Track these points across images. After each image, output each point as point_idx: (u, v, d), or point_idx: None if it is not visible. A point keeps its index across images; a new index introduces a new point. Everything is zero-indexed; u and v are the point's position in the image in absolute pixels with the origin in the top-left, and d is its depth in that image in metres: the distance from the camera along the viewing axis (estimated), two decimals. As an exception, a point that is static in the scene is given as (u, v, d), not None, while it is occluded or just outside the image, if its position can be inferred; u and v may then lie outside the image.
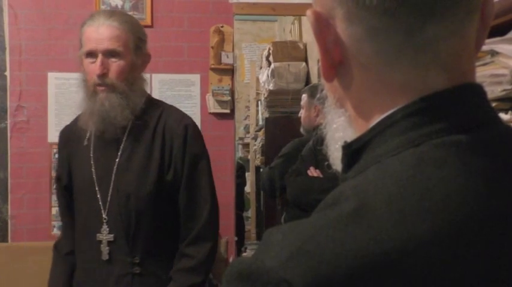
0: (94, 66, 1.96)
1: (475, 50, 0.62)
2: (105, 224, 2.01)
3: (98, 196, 2.02)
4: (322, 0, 0.62)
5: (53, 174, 3.35)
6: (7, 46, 3.38)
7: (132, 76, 2.00)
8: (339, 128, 0.68)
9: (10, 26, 3.38)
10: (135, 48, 1.99)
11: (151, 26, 3.45)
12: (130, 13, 3.40)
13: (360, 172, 0.58)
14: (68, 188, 2.15)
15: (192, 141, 2.05)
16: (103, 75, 1.95)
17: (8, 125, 3.38)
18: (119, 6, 3.42)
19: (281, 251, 0.52)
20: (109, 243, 2.01)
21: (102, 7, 3.40)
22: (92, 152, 2.07)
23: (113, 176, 2.02)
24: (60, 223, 3.26)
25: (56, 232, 3.30)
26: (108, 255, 2.01)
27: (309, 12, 0.62)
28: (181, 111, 2.17)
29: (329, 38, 0.62)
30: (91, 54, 1.96)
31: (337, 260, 0.49)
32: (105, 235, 2.01)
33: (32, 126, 3.39)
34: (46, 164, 3.38)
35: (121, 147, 2.03)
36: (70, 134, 2.16)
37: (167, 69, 3.46)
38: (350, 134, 0.65)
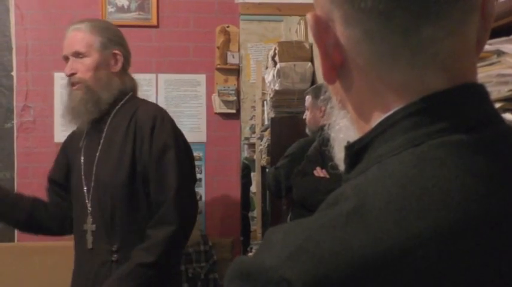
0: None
1: (477, 50, 0.61)
2: (89, 214, 2.17)
3: (84, 188, 2.19)
4: (321, 3, 0.63)
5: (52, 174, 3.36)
6: (13, 46, 3.39)
7: (101, 73, 2.18)
8: (342, 129, 0.68)
9: (16, 26, 3.39)
10: (101, 48, 2.18)
11: (157, 26, 3.45)
12: (136, 13, 3.41)
13: (362, 172, 0.58)
14: (63, 187, 2.33)
15: (159, 132, 2.15)
16: (71, 75, 2.18)
17: (15, 125, 3.39)
18: (125, 7, 3.42)
19: (281, 250, 0.52)
20: (92, 232, 2.16)
21: (108, 7, 3.41)
22: (82, 147, 2.25)
23: (94, 168, 2.18)
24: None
25: (62, 231, 3.31)
26: (92, 244, 2.16)
27: (308, 16, 0.63)
28: (154, 105, 2.33)
29: (329, 41, 0.62)
30: (66, 59, 2.20)
31: (336, 259, 0.49)
32: (89, 225, 2.16)
33: (38, 126, 3.41)
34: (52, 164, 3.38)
35: (101, 141, 2.20)
36: (72, 135, 2.36)
37: (173, 70, 3.47)
38: (353, 135, 0.65)
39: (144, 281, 2.02)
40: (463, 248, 0.50)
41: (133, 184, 2.13)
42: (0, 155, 3.37)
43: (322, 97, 3.15)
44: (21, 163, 3.38)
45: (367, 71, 0.61)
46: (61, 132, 3.32)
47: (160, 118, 2.16)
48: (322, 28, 0.62)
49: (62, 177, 2.34)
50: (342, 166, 0.67)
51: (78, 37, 2.18)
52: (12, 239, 3.35)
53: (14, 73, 3.39)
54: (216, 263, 3.29)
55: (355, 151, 0.63)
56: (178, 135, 2.21)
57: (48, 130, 3.40)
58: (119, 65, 2.21)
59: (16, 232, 3.35)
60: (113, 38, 2.22)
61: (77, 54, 2.17)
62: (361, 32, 0.59)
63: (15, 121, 3.39)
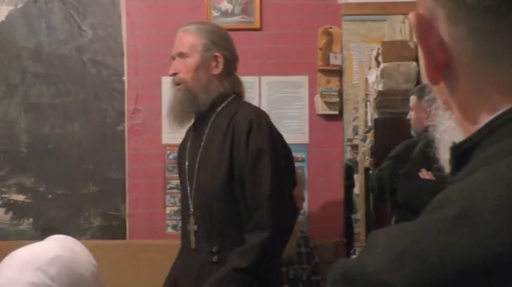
0: None
1: None
2: (191, 215, 2.22)
3: (188, 189, 2.24)
4: (424, 2, 0.61)
5: (167, 175, 3.48)
6: (125, 52, 3.54)
7: (201, 75, 2.22)
8: (448, 131, 0.66)
9: (127, 33, 3.54)
10: (203, 49, 2.21)
11: (260, 29, 3.49)
12: (239, 17, 3.48)
13: (468, 174, 0.56)
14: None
15: (254, 137, 2.14)
16: (173, 75, 2.26)
17: (126, 128, 3.54)
18: (229, 11, 3.49)
19: (384, 253, 0.51)
20: (195, 233, 2.20)
21: (213, 12, 3.49)
22: (187, 149, 2.31)
23: (196, 170, 2.22)
24: (173, 223, 3.40)
25: (170, 231, 3.42)
26: (195, 244, 2.20)
27: (411, 15, 0.62)
28: (253, 109, 2.31)
29: (432, 41, 0.60)
30: (173, 59, 2.28)
31: (441, 263, 0.48)
32: (191, 225, 2.21)
33: (147, 129, 3.53)
34: (160, 165, 3.51)
35: (202, 144, 2.23)
36: (184, 138, 2.43)
37: (275, 72, 3.50)
38: (458, 137, 0.63)
39: (240, 286, 2.04)
40: None
41: (231, 188, 2.14)
42: (113, 156, 3.52)
43: (426, 98, 3.07)
44: (131, 164, 3.52)
45: (473, 70, 0.59)
46: (168, 134, 3.43)
47: (256, 122, 2.15)
48: (425, 27, 0.61)
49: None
50: (447, 168, 0.66)
51: (184, 38, 2.25)
52: (124, 237, 3.50)
53: (125, 78, 3.54)
54: (318, 265, 3.28)
55: (461, 153, 0.61)
56: (275, 139, 2.19)
57: (156, 132, 3.52)
58: (220, 67, 2.23)
59: (128, 229, 3.50)
60: (217, 41, 2.24)
61: (181, 55, 2.23)
62: (466, 30, 0.57)
63: (126, 124, 3.53)
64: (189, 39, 2.23)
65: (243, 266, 2.04)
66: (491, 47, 0.57)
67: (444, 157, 0.68)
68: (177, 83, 2.25)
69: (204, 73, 2.22)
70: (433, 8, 0.60)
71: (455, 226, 0.50)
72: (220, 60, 2.23)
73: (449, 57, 0.60)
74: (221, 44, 2.25)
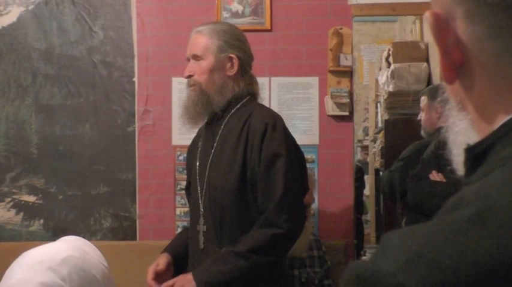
0: None
1: None
2: (201, 216, 2.20)
3: (198, 189, 2.23)
4: (441, 0, 0.61)
5: (177, 176, 3.49)
6: (135, 53, 3.55)
7: (216, 77, 2.20)
8: (461, 132, 0.66)
9: (138, 34, 3.55)
10: (217, 51, 2.20)
11: (270, 30, 3.49)
12: (250, 18, 3.47)
13: (484, 175, 0.55)
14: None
15: (269, 140, 2.12)
16: (188, 77, 2.24)
17: (136, 129, 3.55)
18: (239, 12, 3.50)
19: (398, 255, 0.51)
20: (204, 233, 2.19)
21: (223, 13, 3.50)
22: (198, 149, 2.30)
23: (207, 170, 2.21)
24: (183, 223, 3.40)
25: (180, 231, 3.43)
26: (203, 244, 2.19)
27: (427, 13, 0.61)
28: (268, 111, 2.29)
29: (449, 39, 0.60)
30: (188, 60, 2.27)
31: (457, 266, 0.48)
32: (201, 226, 2.20)
33: (157, 130, 3.54)
34: (170, 166, 3.51)
35: (215, 144, 2.22)
36: (195, 137, 2.42)
37: (286, 73, 3.50)
38: (473, 138, 0.62)
39: (234, 270, 2.04)
40: None
41: (243, 190, 2.14)
42: (124, 157, 3.54)
43: (439, 99, 3.06)
44: (142, 164, 3.53)
45: (491, 69, 0.58)
46: (178, 135, 3.44)
47: (271, 125, 2.14)
48: (442, 26, 0.60)
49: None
50: (461, 170, 0.65)
51: (198, 40, 2.23)
52: (134, 238, 3.51)
53: (135, 79, 3.55)
54: (330, 269, 3.27)
55: (476, 154, 0.60)
56: (289, 143, 2.18)
57: (167, 133, 3.53)
58: (235, 68, 2.22)
59: (138, 230, 3.51)
60: (231, 42, 2.23)
61: (195, 57, 2.22)
62: (485, 28, 0.57)
63: (136, 125, 3.54)
64: (202, 40, 2.22)
65: (238, 249, 2.05)
66: (510, 46, 0.56)
67: (458, 158, 0.67)
68: (190, 85, 2.24)
69: (219, 75, 2.21)
70: (451, 7, 0.60)
71: (471, 227, 0.49)
72: (235, 61, 2.22)
73: (466, 56, 0.60)
74: (235, 44, 2.24)
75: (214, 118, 2.25)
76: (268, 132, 2.13)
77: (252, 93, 2.29)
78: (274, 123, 2.16)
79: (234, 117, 2.22)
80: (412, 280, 0.49)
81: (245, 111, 2.22)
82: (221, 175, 2.17)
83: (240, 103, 2.24)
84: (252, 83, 2.30)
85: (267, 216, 2.07)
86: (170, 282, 2.10)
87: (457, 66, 0.61)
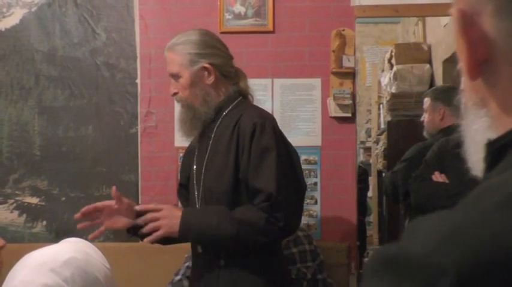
0: None
1: None
2: None
3: (195, 193, 2.25)
4: None
5: (179, 177, 3.48)
6: (138, 55, 3.55)
7: (197, 89, 2.21)
8: (480, 130, 0.66)
9: (141, 36, 3.55)
10: (190, 64, 2.20)
11: (272, 32, 3.49)
12: (252, 19, 3.48)
13: (506, 169, 0.55)
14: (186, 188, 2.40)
15: (258, 138, 2.11)
16: (174, 95, 2.27)
17: (139, 130, 3.55)
18: (242, 14, 3.50)
19: (431, 238, 0.50)
20: None
21: (226, 15, 3.50)
22: (195, 153, 2.32)
23: (202, 174, 2.22)
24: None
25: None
26: (201, 248, 2.21)
27: (453, 10, 0.62)
28: (258, 112, 2.25)
29: (474, 36, 0.61)
30: (171, 77, 2.28)
31: (490, 248, 0.47)
32: None
33: (160, 131, 3.54)
34: (173, 168, 3.51)
35: (208, 148, 2.23)
36: (193, 139, 2.41)
37: (288, 74, 3.50)
38: (491, 136, 0.63)
39: (222, 229, 2.05)
40: None
41: (237, 192, 2.14)
42: (126, 158, 3.54)
43: (455, 99, 3.06)
44: (144, 166, 3.53)
45: None
46: (181, 137, 3.41)
47: (260, 125, 2.12)
48: (467, 22, 0.61)
49: (188, 180, 2.39)
50: (476, 169, 0.65)
51: (171, 58, 2.24)
52: (136, 240, 3.51)
53: (138, 81, 3.55)
54: (323, 263, 3.21)
55: (497, 148, 0.60)
56: (279, 140, 2.16)
57: (169, 135, 3.53)
58: (213, 75, 2.20)
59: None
60: (202, 51, 2.21)
61: (173, 76, 2.24)
62: None
63: (139, 127, 3.54)
64: (174, 58, 2.23)
65: (235, 216, 2.07)
66: None
67: (474, 157, 0.67)
68: (178, 101, 2.29)
69: (199, 87, 2.21)
70: (477, 3, 0.60)
71: (500, 211, 0.49)
72: (210, 69, 2.20)
73: (491, 52, 0.60)
74: (206, 52, 2.22)
75: (207, 122, 2.26)
76: (257, 132, 2.11)
77: (243, 94, 2.28)
78: (263, 123, 2.13)
79: (225, 120, 2.22)
80: (449, 258, 0.48)
81: (236, 113, 2.21)
82: (215, 177, 2.17)
83: (231, 106, 2.23)
84: (238, 81, 2.28)
85: (258, 208, 2.06)
86: (159, 207, 2.18)
87: (481, 62, 0.61)
